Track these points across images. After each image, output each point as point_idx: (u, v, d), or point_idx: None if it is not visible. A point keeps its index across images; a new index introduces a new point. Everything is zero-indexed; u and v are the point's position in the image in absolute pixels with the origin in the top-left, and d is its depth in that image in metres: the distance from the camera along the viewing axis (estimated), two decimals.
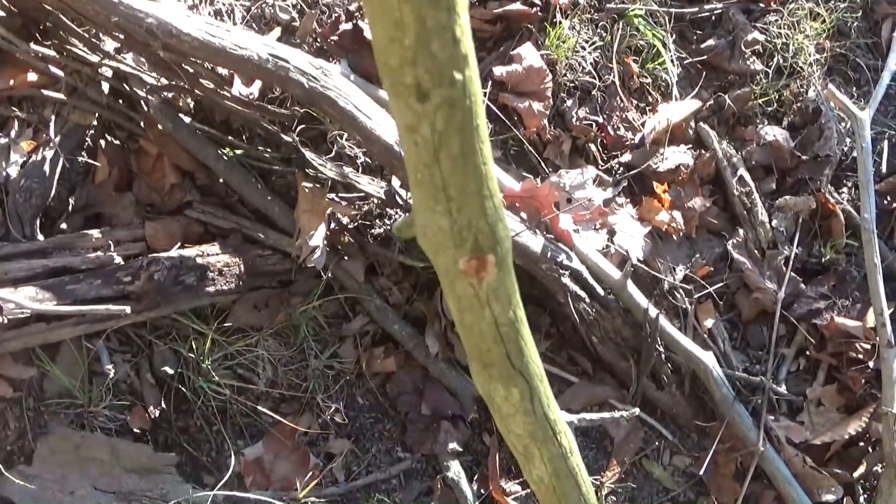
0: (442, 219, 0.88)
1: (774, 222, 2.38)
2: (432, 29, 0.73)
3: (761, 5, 2.60)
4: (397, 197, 2.05)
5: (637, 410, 1.74)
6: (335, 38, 2.24)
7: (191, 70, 2.03)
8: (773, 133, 2.45)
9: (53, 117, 2.06)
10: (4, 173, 2.00)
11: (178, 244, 2.02)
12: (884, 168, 2.55)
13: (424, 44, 0.74)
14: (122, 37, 2.00)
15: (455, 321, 1.04)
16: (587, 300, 2.10)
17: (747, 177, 2.40)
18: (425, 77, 0.76)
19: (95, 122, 2.10)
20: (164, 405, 1.99)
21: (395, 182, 2.05)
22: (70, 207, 2.05)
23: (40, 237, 1.97)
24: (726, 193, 2.41)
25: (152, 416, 1.99)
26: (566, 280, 2.07)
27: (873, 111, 2.33)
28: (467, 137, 0.82)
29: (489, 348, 1.04)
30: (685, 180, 2.36)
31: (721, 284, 2.31)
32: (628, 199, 2.34)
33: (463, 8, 0.75)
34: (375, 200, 2.10)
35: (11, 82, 2.06)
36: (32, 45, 2.05)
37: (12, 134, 2.05)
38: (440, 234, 0.90)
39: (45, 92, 2.06)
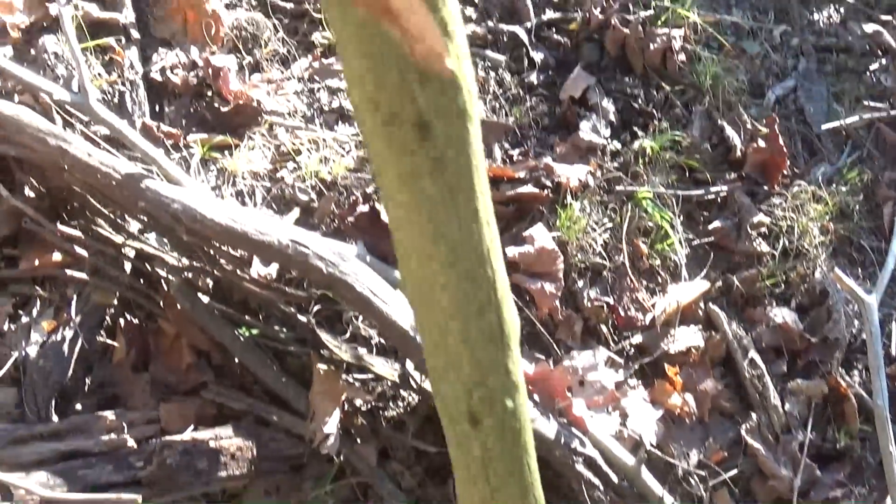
0: None
1: (787, 406, 2.38)
2: (487, 366, 0.78)
3: (765, 188, 2.68)
4: (411, 380, 2.07)
5: None
6: (352, 219, 2.29)
7: (212, 252, 2.08)
8: (782, 315, 2.49)
9: (75, 297, 2.09)
10: (24, 353, 2.02)
11: (192, 426, 2.02)
12: (893, 351, 2.57)
13: (477, 366, 0.78)
14: (147, 219, 2.06)
15: None
16: (601, 488, 2.08)
17: (758, 359, 2.41)
18: (478, 406, 0.80)
19: (115, 302, 2.13)
20: None
21: (409, 365, 2.07)
22: (86, 387, 2.06)
23: (55, 418, 1.97)
24: (738, 376, 2.42)
25: None
26: (580, 467, 2.06)
27: (880, 295, 2.35)
28: (516, 459, 0.87)
29: None
30: (696, 362, 2.38)
31: (735, 470, 2.29)
32: (640, 381, 2.35)
33: (516, 341, 0.79)
34: (389, 382, 2.11)
35: (36, 262, 2.10)
36: (59, 226, 2.10)
37: (34, 313, 2.08)
38: None
39: (68, 272, 2.10)
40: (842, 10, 3.17)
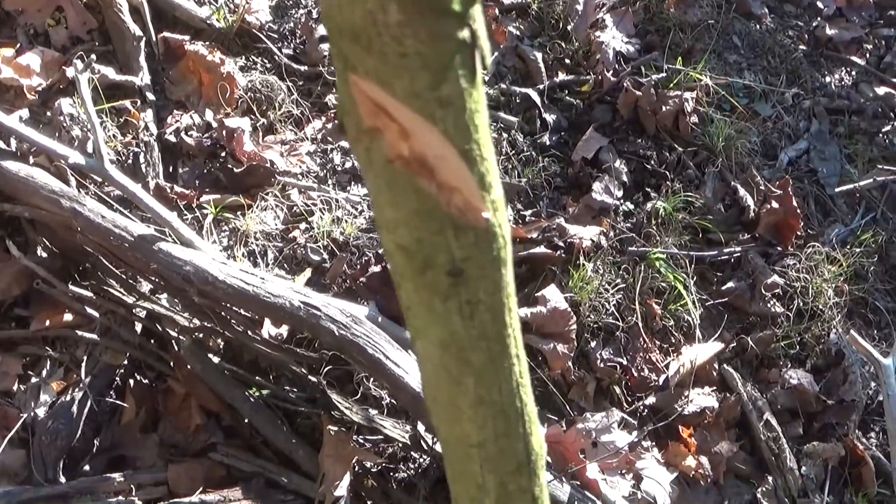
0: None
1: (804, 469, 2.35)
2: (514, 493, 0.79)
3: (779, 249, 2.67)
4: (422, 442, 2.04)
5: None
6: (364, 279, 2.29)
7: (223, 313, 2.08)
8: (798, 376, 2.46)
9: (85, 357, 2.09)
10: (32, 414, 2.02)
11: (201, 488, 2.00)
12: None
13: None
14: (158, 280, 2.07)
15: None
16: None
17: (773, 421, 2.38)
18: None
19: (125, 362, 2.13)
20: None
21: (420, 427, 2.05)
22: (95, 448, 2.05)
23: (63, 480, 1.96)
24: (753, 438, 2.39)
25: None
26: None
27: None
28: None
29: None
30: (711, 424, 2.35)
31: None
32: (654, 443, 2.32)
33: (542, 468, 0.80)
34: (400, 444, 2.09)
35: (47, 323, 2.11)
36: (70, 286, 2.11)
37: (43, 373, 2.08)
38: None
39: (79, 332, 2.10)
40: (853, 72, 3.19)
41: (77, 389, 2.04)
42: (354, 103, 0.59)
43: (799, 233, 2.70)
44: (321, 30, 2.70)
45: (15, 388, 2.07)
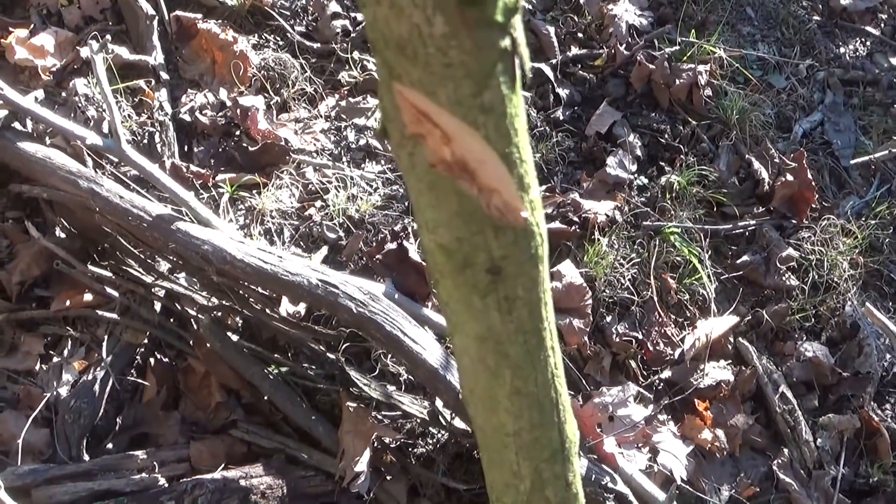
0: None
1: (819, 441, 2.36)
2: (548, 479, 0.81)
3: (793, 222, 2.67)
4: (441, 417, 2.06)
5: None
6: (380, 257, 2.30)
7: (241, 291, 2.09)
8: (813, 349, 2.47)
9: (106, 336, 2.12)
10: (55, 393, 2.04)
11: (223, 465, 2.03)
12: None
13: (539, 489, 0.81)
14: (177, 260, 2.08)
15: None
16: None
17: (789, 394, 2.40)
18: None
19: (146, 341, 2.15)
20: None
21: (439, 403, 2.07)
22: (117, 426, 2.09)
23: (86, 458, 1.99)
24: (769, 410, 2.40)
25: None
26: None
27: None
28: None
29: None
30: (727, 397, 2.37)
31: None
32: (670, 416, 2.33)
33: (575, 454, 0.82)
34: (418, 420, 2.11)
35: (68, 303, 2.13)
36: (90, 266, 2.13)
37: (65, 353, 2.11)
38: None
39: (99, 312, 2.13)
40: (868, 43, 3.17)
41: (98, 368, 2.07)
42: (398, 110, 0.61)
43: (814, 205, 2.69)
44: (333, 6, 2.70)
45: (37, 367, 2.10)
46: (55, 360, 2.09)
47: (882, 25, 3.23)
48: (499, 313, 0.76)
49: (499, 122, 0.63)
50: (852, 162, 2.82)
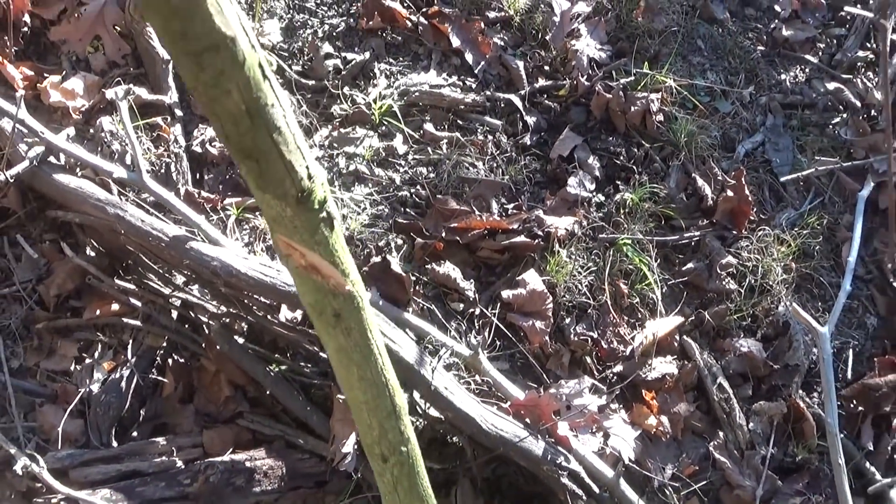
0: None
1: (751, 425, 2.69)
2: (388, 428, 1.45)
3: (734, 233, 3.00)
4: (418, 407, 2.39)
5: None
6: (367, 269, 2.64)
7: (246, 301, 2.43)
8: (748, 345, 2.80)
9: (131, 341, 2.46)
10: (88, 389, 2.38)
11: (231, 449, 2.37)
12: (849, 374, 2.87)
13: (384, 434, 1.47)
14: (190, 274, 2.42)
15: None
16: (584, 498, 2.39)
17: (726, 384, 2.72)
18: (385, 450, 1.49)
19: (165, 344, 2.49)
20: None
21: (416, 395, 2.40)
22: (141, 417, 2.41)
23: (115, 444, 2.32)
24: (708, 399, 2.73)
25: None
26: (565, 480, 2.36)
27: (832, 327, 2.65)
28: (413, 480, 1.59)
29: None
30: (671, 388, 2.69)
31: (705, 482, 2.60)
32: (621, 405, 2.66)
33: (405, 412, 1.48)
34: None
35: (98, 312, 2.47)
36: (116, 280, 2.47)
37: (96, 355, 2.45)
38: None
39: (124, 319, 2.47)
40: (807, 70, 3.49)
41: (125, 368, 2.41)
42: (278, 244, 1.13)
43: (752, 218, 3.02)
44: (326, 47, 3.05)
45: (72, 368, 2.44)
46: (87, 361, 2.44)
47: (820, 54, 3.54)
48: (343, 336, 1.31)
49: (326, 247, 1.15)
50: (784, 179, 3.13)
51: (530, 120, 3.08)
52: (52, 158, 2.52)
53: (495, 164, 2.95)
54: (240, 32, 0.88)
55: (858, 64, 3.51)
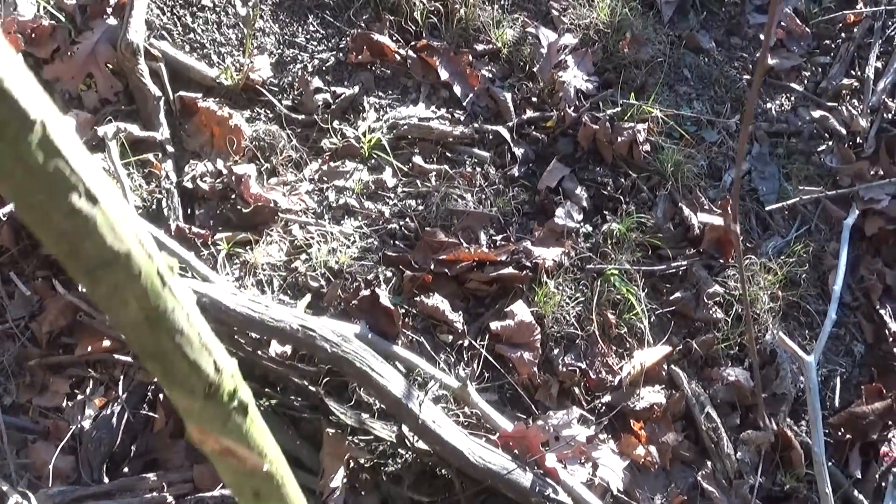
0: None
1: (739, 454, 2.71)
2: None
3: (720, 262, 3.03)
4: (406, 441, 2.42)
5: None
6: (356, 302, 2.67)
7: (235, 336, 2.46)
8: (735, 374, 2.82)
9: (122, 377, 2.49)
10: (79, 425, 2.41)
11: (221, 484, 2.39)
12: (837, 402, 2.89)
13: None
14: None
15: None
16: None
17: (714, 413, 2.74)
18: None
19: (155, 380, 2.52)
20: None
21: (405, 428, 2.43)
22: (132, 453, 2.44)
23: (106, 480, 2.35)
24: (696, 428, 2.75)
25: None
26: None
27: (818, 355, 2.68)
28: None
29: None
30: (659, 417, 2.72)
31: None
32: (609, 436, 2.68)
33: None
34: (388, 443, 2.47)
35: (89, 348, 2.50)
36: (107, 316, 2.50)
37: (87, 391, 2.47)
38: None
39: (115, 355, 2.50)
40: (792, 98, 3.53)
41: (116, 404, 2.44)
42: (191, 432, 1.11)
43: None
44: (316, 82, 3.09)
45: (64, 404, 2.46)
46: (79, 397, 2.46)
47: (805, 82, 3.59)
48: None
49: (239, 433, 1.14)
50: (769, 208, 3.17)
51: (518, 151, 3.12)
52: None
53: (484, 196, 2.99)
54: (135, 245, 0.85)
55: (843, 91, 3.55)
